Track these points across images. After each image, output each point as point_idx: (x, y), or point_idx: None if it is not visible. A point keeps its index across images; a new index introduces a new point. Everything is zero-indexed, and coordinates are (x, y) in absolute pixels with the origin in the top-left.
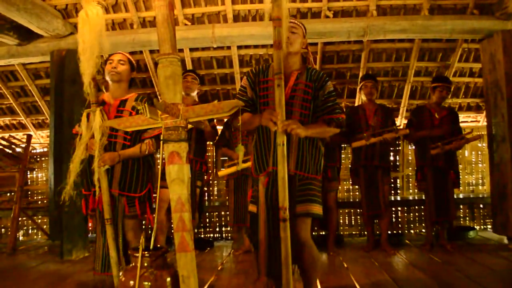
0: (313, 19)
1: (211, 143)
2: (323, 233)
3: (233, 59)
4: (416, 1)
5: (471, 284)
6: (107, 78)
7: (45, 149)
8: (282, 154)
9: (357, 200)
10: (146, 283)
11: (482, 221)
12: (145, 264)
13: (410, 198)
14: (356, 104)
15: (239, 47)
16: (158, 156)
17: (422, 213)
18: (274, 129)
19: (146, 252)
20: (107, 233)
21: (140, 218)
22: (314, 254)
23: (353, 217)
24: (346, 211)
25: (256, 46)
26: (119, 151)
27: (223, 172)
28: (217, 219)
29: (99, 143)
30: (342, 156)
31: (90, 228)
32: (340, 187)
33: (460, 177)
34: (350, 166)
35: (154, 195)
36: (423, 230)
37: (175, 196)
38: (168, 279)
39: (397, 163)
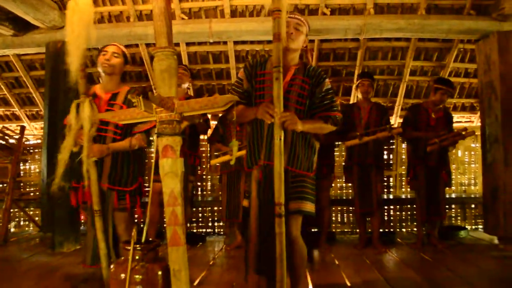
0: (310, 16)
1: (205, 137)
2: (315, 230)
3: (230, 54)
4: (413, 0)
5: (461, 283)
6: (100, 69)
7: (39, 141)
8: (279, 148)
9: (350, 197)
10: (137, 276)
11: (473, 221)
12: (137, 258)
13: (403, 196)
14: (351, 102)
15: (236, 43)
16: (150, 150)
17: (414, 212)
18: (270, 121)
19: (137, 246)
20: (96, 225)
21: (130, 211)
22: (303, 252)
23: (345, 214)
24: (339, 208)
25: (252, 42)
26: (109, 144)
27: (215, 160)
28: (209, 214)
29: (87, 134)
30: (336, 153)
31: (82, 220)
32: (333, 185)
33: (453, 176)
34: (343, 164)
35: (147, 188)
36: (415, 229)
37: (168, 190)
38: (160, 272)
39: (391, 162)
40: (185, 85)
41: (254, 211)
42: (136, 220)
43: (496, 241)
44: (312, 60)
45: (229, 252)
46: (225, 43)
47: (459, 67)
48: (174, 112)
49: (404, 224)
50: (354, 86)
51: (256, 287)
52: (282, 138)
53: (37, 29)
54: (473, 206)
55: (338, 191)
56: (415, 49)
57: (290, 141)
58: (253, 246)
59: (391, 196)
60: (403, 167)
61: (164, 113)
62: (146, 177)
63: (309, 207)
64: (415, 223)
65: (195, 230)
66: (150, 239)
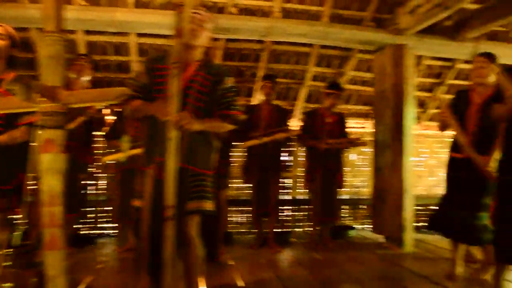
0: (218, 14)
1: (101, 133)
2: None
3: (131, 47)
4: (319, 8)
5: (348, 279)
6: None
7: None
8: (172, 148)
9: (248, 198)
10: (6, 284)
11: (363, 221)
12: (7, 263)
13: (299, 197)
14: (253, 103)
15: (139, 35)
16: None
17: (309, 212)
18: (164, 119)
19: (8, 250)
20: None
21: (5, 212)
22: (200, 253)
23: (240, 215)
24: (236, 209)
25: (157, 35)
26: None
27: (108, 157)
28: (102, 214)
29: None
30: (235, 154)
31: None
32: (230, 185)
33: (345, 179)
34: (242, 164)
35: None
36: (309, 229)
37: (47, 188)
38: (33, 279)
39: (289, 164)
40: (86, 78)
41: (148, 211)
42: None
43: (382, 240)
44: (216, 58)
45: (120, 254)
46: (126, 34)
47: (357, 76)
48: (59, 103)
49: (299, 224)
50: (257, 88)
51: None
52: (177, 138)
53: None
54: (363, 207)
55: (236, 192)
56: (318, 55)
57: (188, 139)
58: (145, 248)
59: (288, 197)
60: (301, 169)
61: (47, 104)
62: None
63: (209, 206)
64: (309, 223)
65: (84, 232)
66: (29, 242)
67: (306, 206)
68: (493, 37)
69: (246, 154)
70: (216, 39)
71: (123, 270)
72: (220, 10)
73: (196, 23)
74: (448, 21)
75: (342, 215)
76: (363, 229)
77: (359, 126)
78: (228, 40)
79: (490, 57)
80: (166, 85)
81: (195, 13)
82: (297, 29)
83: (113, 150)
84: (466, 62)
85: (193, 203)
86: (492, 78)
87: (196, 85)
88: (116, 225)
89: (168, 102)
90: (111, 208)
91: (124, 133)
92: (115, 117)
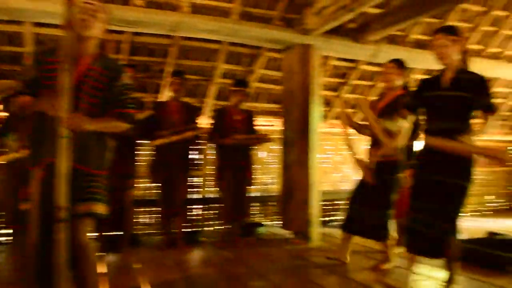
0: (122, 6)
1: None
2: (118, 233)
3: (27, 37)
4: (228, 5)
5: (255, 276)
6: None
7: None
8: (64, 147)
9: (155, 198)
10: None
11: (272, 217)
12: None
13: (209, 196)
14: (161, 100)
15: (36, 24)
16: None
17: (220, 211)
18: (53, 116)
19: None
20: None
21: None
22: (93, 259)
23: (147, 215)
24: (143, 209)
25: (55, 26)
26: None
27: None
28: None
29: None
30: (142, 152)
31: None
32: (137, 185)
33: (255, 176)
34: (149, 163)
35: None
36: (220, 227)
37: None
38: None
39: (198, 162)
40: None
41: (36, 215)
42: None
43: (290, 235)
44: (121, 52)
45: (14, 263)
46: (18, 23)
47: (266, 74)
48: None
49: (209, 222)
50: (165, 84)
51: None
52: (67, 136)
53: None
54: (272, 203)
55: (142, 192)
56: (227, 52)
57: (80, 137)
58: (33, 255)
59: (197, 196)
60: (211, 167)
61: None
62: None
63: (101, 208)
64: (219, 221)
65: None
66: None
67: (216, 205)
68: (391, 40)
69: (153, 152)
70: (121, 32)
71: (16, 281)
72: (125, 1)
73: (87, 13)
74: (352, 23)
75: (252, 212)
76: (272, 226)
77: (268, 124)
78: (135, 34)
79: (398, 63)
80: (57, 80)
81: (86, 2)
82: (207, 25)
83: (6, 150)
84: (369, 63)
85: (83, 206)
86: (399, 83)
87: (91, 80)
88: (9, 231)
89: (58, 98)
90: (3, 213)
91: (15, 131)
92: (8, 113)
